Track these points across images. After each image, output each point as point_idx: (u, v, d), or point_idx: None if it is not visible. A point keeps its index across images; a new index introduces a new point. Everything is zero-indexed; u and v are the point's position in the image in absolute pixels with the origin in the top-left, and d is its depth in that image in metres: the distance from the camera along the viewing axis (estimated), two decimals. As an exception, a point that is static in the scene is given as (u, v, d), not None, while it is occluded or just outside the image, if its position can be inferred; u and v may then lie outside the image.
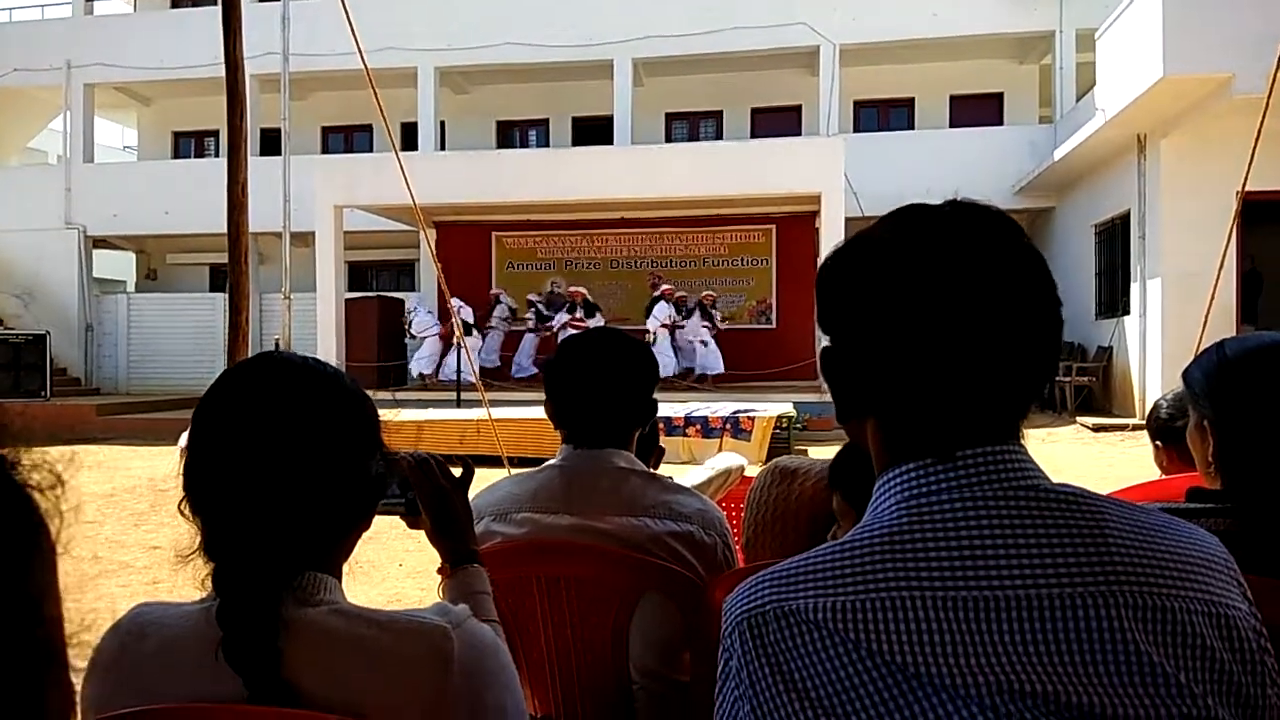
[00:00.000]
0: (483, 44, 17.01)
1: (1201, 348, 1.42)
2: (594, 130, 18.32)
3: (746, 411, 10.59)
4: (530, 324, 15.45)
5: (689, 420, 10.47)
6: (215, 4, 4.00)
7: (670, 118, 19.03)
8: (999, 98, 17.90)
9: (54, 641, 0.54)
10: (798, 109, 18.31)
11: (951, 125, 17.50)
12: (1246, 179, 3.61)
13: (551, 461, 1.75)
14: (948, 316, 0.77)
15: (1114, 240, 13.13)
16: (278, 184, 14.03)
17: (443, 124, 18.12)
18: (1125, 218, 12.48)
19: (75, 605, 0.57)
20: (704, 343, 14.41)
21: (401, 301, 15.99)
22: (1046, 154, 14.44)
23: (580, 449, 1.71)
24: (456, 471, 1.37)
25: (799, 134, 17.77)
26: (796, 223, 15.79)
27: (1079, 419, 12.08)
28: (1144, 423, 2.50)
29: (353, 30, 4.79)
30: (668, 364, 13.78)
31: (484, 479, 1.61)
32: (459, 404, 12.67)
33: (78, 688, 0.59)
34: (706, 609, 1.54)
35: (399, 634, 0.99)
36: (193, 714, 0.96)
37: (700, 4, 16.57)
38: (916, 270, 0.79)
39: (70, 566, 0.57)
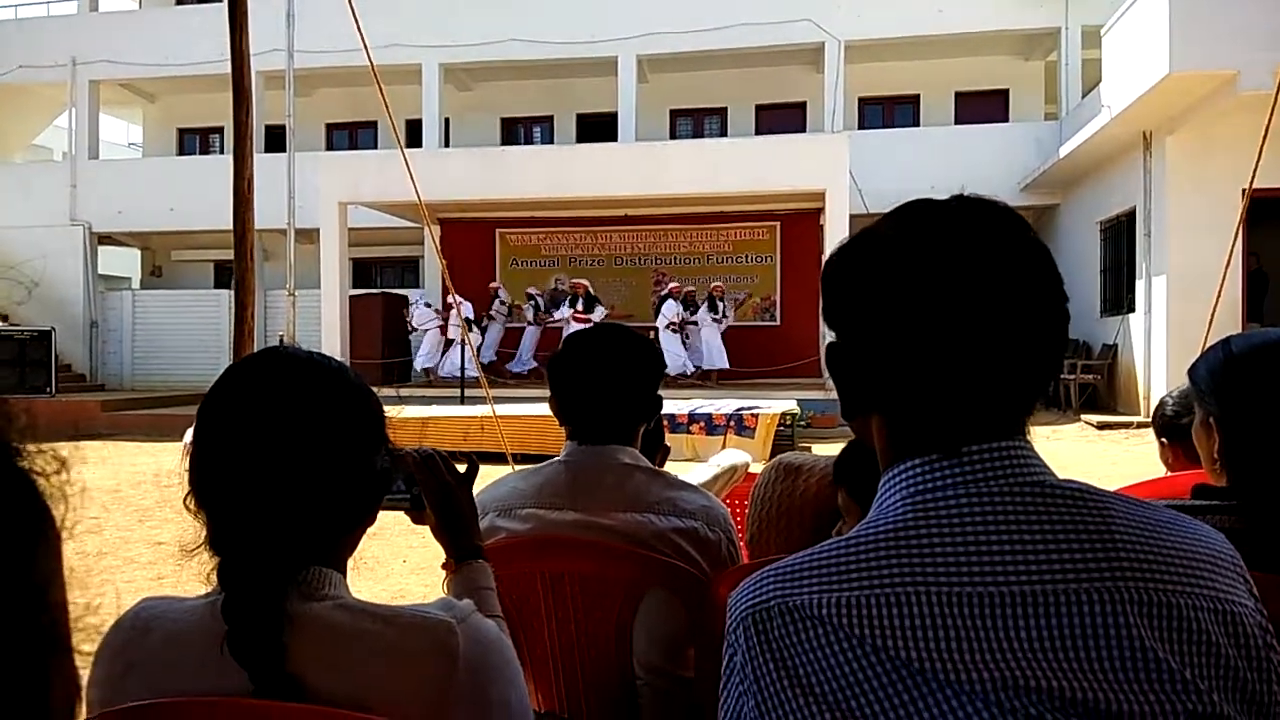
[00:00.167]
0: (487, 41, 17.00)
1: (1207, 345, 1.42)
2: (598, 127, 18.31)
3: (750, 408, 10.59)
4: (530, 317, 15.46)
5: (693, 417, 10.48)
6: (220, 0, 4.00)
7: (675, 114, 19.01)
8: (1004, 94, 17.86)
9: (59, 627, 0.54)
10: (802, 106, 18.29)
11: (957, 122, 17.47)
12: (1254, 177, 3.59)
13: (556, 457, 1.75)
14: (954, 312, 0.77)
15: (1119, 237, 13.09)
16: (282, 181, 14.05)
17: (447, 121, 18.12)
18: (1130, 215, 12.45)
19: (80, 589, 0.57)
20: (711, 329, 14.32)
21: (406, 298, 16.01)
22: (1052, 151, 14.41)
23: (585, 445, 1.71)
24: (461, 467, 1.37)
25: (804, 131, 17.75)
26: (801, 220, 15.77)
27: (1083, 417, 12.07)
28: (1148, 421, 2.50)
29: (359, 27, 4.79)
30: (676, 363, 13.74)
31: (488, 476, 1.61)
32: (463, 401, 12.68)
33: (83, 673, 0.59)
34: (711, 605, 1.54)
35: (404, 629, 0.99)
36: (198, 708, 0.96)
37: (705, 0, 16.55)
38: (922, 265, 0.78)
39: (74, 551, 0.57)
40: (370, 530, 1.12)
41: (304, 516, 1.00)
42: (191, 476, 1.02)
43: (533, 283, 16.08)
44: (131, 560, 5.64)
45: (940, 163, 14.92)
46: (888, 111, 18.27)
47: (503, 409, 8.05)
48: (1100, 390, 13.16)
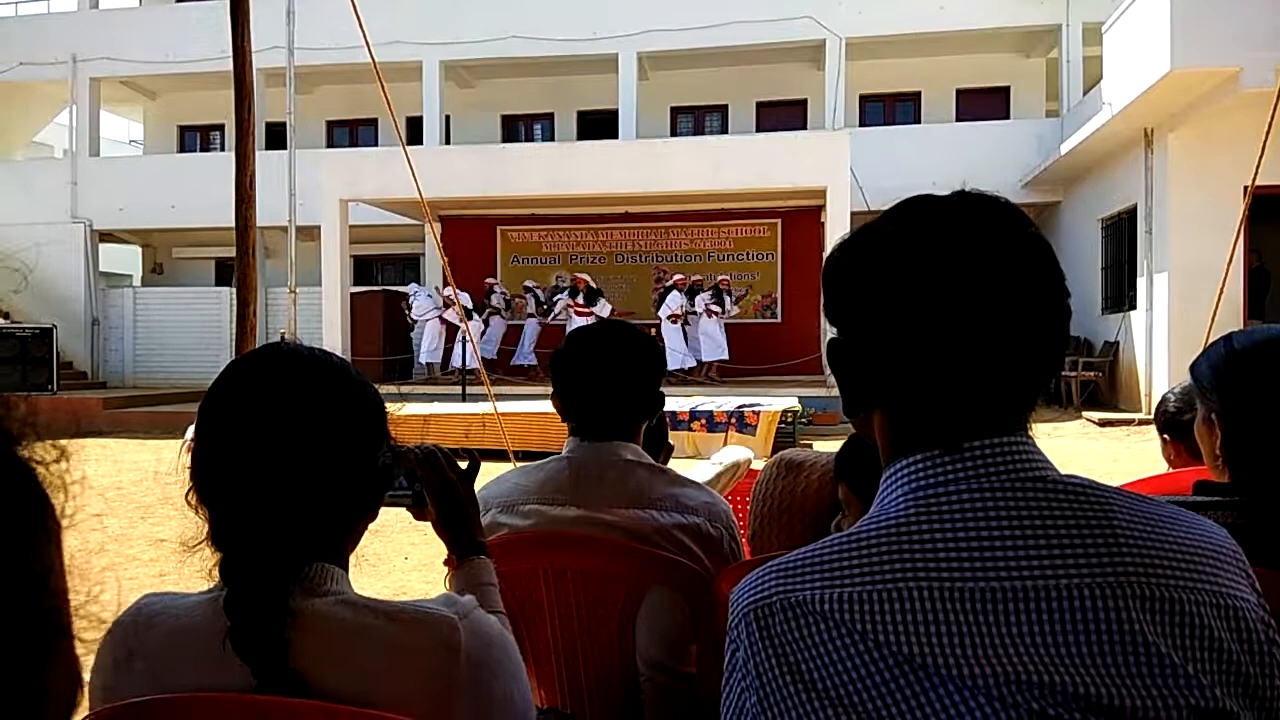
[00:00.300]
0: (488, 38, 16.99)
1: (1208, 342, 1.42)
2: (599, 124, 18.30)
3: (751, 406, 10.59)
4: (530, 310, 15.46)
5: (694, 414, 10.47)
6: (221, -3, 4.00)
7: (675, 112, 19.00)
8: (1005, 92, 17.85)
9: (58, 614, 0.54)
10: (803, 103, 18.27)
11: (958, 119, 17.45)
12: (1256, 174, 3.59)
13: (558, 454, 1.75)
14: (955, 307, 0.77)
15: (1120, 235, 13.08)
16: (283, 178, 14.05)
17: (448, 118, 18.11)
18: (1132, 212, 12.43)
19: (81, 577, 0.57)
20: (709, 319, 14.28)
21: (405, 294, 16.01)
22: (1053, 148, 14.39)
23: (587, 441, 1.71)
24: (463, 464, 1.37)
25: (804, 128, 17.74)
26: (802, 217, 15.77)
27: (1085, 414, 12.06)
28: (1150, 418, 2.50)
29: (360, 24, 4.79)
30: (676, 358, 13.72)
31: (490, 472, 1.61)
32: (464, 398, 12.69)
33: (86, 663, 0.59)
34: (713, 601, 1.54)
35: (406, 624, 0.99)
36: (200, 703, 0.96)
37: (705, -2, 16.56)
38: (923, 261, 0.78)
39: (76, 545, 0.57)
40: (372, 527, 1.12)
41: (306, 512, 1.00)
42: (194, 472, 1.02)
43: (533, 280, 16.07)
44: (133, 558, 5.64)
45: (941, 160, 14.90)
46: (889, 108, 18.25)
47: (504, 406, 8.06)
48: (1102, 387, 13.16)
